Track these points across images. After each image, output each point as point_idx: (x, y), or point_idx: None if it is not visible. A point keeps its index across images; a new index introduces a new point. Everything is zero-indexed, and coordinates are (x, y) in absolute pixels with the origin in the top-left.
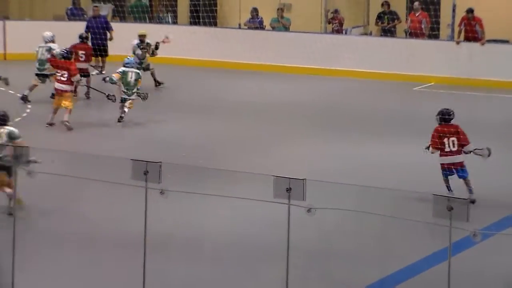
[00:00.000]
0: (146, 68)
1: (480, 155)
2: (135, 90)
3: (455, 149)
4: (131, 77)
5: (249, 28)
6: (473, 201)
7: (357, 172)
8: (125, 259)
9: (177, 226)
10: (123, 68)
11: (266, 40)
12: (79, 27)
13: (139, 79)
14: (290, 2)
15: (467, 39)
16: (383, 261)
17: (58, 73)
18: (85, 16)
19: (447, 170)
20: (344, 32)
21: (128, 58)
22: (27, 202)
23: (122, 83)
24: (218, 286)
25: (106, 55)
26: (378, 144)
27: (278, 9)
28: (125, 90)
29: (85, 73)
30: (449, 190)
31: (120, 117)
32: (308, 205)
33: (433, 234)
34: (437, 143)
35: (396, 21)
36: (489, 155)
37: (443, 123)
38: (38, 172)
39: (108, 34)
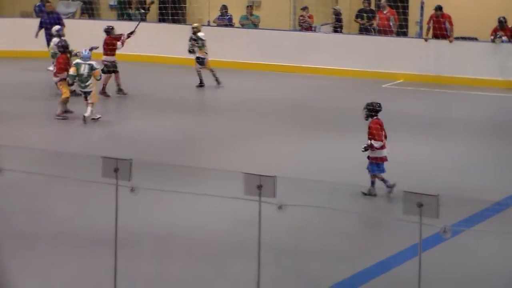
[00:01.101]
0: (201, 63)
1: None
2: (89, 82)
3: (385, 142)
4: (84, 69)
5: (218, 25)
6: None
7: (327, 169)
8: (96, 257)
9: (148, 224)
10: (78, 60)
11: (235, 38)
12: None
13: (95, 70)
14: None
15: (436, 36)
16: (354, 258)
17: None
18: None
19: (382, 164)
20: (313, 29)
21: (84, 52)
22: None
23: (77, 76)
24: (189, 284)
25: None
26: (346, 140)
27: (247, 7)
28: (79, 83)
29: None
30: (373, 185)
31: (83, 116)
32: (279, 202)
33: (403, 231)
34: (381, 135)
35: (373, 19)
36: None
37: (376, 115)
38: (6, 170)
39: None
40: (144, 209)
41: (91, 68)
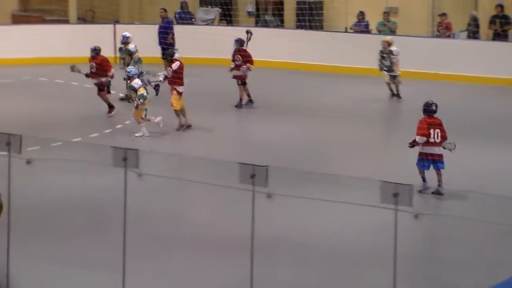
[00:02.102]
0: (394, 77)
1: (449, 149)
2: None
3: (438, 140)
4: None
5: (355, 31)
6: (441, 194)
7: (473, 179)
8: (232, 262)
9: (283, 230)
10: (140, 80)
11: (372, 44)
12: (187, 31)
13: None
14: (396, 5)
15: None
16: (492, 268)
17: None
18: (193, 20)
19: (425, 161)
20: (451, 36)
21: (132, 68)
22: (135, 204)
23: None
24: None
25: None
26: (495, 150)
27: (384, 13)
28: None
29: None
30: (424, 181)
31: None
32: (415, 211)
33: None
34: (425, 131)
35: (510, 25)
36: (454, 149)
37: (428, 114)
38: (146, 175)
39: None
40: (280, 215)
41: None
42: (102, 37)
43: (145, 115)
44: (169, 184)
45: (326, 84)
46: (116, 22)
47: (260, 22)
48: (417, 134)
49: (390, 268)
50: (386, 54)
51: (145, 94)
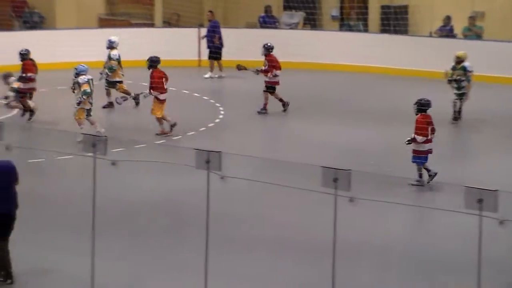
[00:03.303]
0: (462, 94)
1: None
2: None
3: (432, 136)
4: (92, 84)
5: (440, 36)
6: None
7: None
8: (314, 266)
9: (365, 234)
10: (87, 76)
11: (456, 49)
12: (271, 35)
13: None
14: (483, 10)
15: None
16: None
17: None
18: (277, 24)
19: (423, 158)
20: None
21: (82, 65)
22: (217, 206)
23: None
24: None
25: (215, 58)
26: None
27: (470, 17)
28: (91, 101)
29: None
30: (421, 177)
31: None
32: (500, 217)
33: None
34: (426, 130)
35: None
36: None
37: (423, 112)
38: (229, 177)
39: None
40: (362, 219)
41: (92, 82)
42: (186, 40)
43: (87, 116)
44: (251, 186)
45: (409, 88)
46: (200, 25)
47: (344, 26)
48: (418, 134)
49: (474, 274)
50: (458, 70)
51: (88, 90)
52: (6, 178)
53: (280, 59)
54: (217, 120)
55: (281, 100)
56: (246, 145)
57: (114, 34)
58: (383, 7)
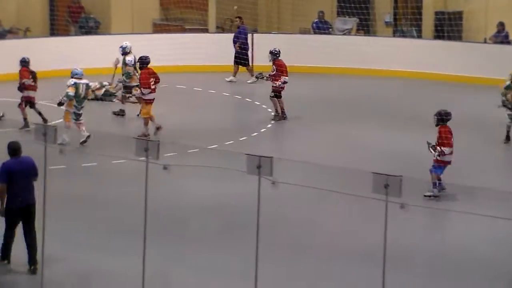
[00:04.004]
0: None
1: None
2: (84, 104)
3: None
4: (82, 89)
5: (494, 42)
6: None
7: None
8: (364, 272)
9: (417, 240)
10: (75, 80)
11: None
12: (324, 40)
13: (88, 90)
14: None
15: None
16: None
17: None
18: (330, 29)
19: (443, 168)
20: None
21: (76, 69)
22: (268, 212)
23: (75, 96)
24: None
25: (243, 64)
26: None
27: None
28: (76, 105)
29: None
30: (436, 186)
31: (83, 141)
32: None
33: None
34: (451, 141)
35: None
36: None
37: (445, 124)
38: (281, 182)
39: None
40: (414, 226)
41: (88, 87)
42: None
43: (76, 120)
44: (302, 192)
45: (462, 95)
46: (255, 31)
47: (397, 32)
48: (446, 146)
49: None
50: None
51: (70, 93)
52: (31, 172)
53: (333, 64)
54: (269, 126)
55: (282, 109)
56: (297, 151)
57: (167, 39)
58: (437, 13)
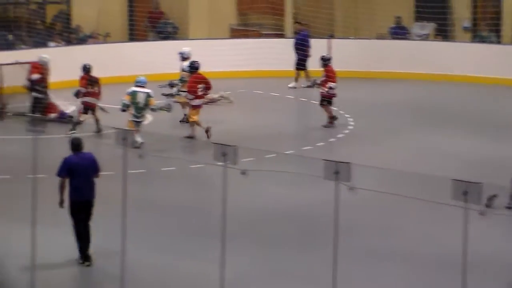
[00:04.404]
0: None
1: None
2: (145, 112)
3: None
4: (141, 97)
5: None
6: None
7: None
8: (443, 280)
9: (497, 249)
10: (133, 88)
11: None
12: (401, 46)
13: (151, 99)
14: None
15: None
16: None
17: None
18: (407, 35)
19: None
20: None
21: (139, 77)
22: (346, 218)
23: (132, 104)
24: None
25: (301, 69)
26: None
27: None
28: (134, 113)
29: None
30: None
31: (135, 147)
32: None
33: None
34: None
35: None
36: None
37: None
38: (359, 188)
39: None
40: (494, 234)
41: (148, 96)
42: (316, 51)
43: (136, 127)
44: (380, 198)
45: None
46: (331, 36)
47: (476, 37)
48: None
49: None
50: None
51: (125, 102)
52: (92, 169)
53: (410, 70)
54: (346, 131)
55: (330, 116)
56: (375, 156)
57: (244, 44)
58: None
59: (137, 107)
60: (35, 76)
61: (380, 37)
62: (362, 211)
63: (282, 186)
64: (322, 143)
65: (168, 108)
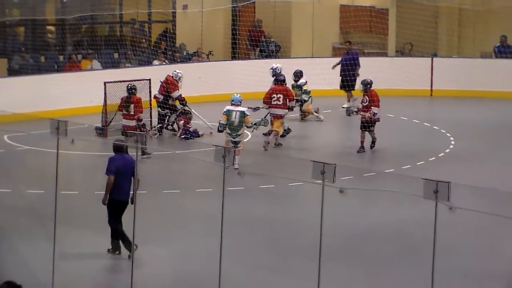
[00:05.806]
0: None
1: None
2: (240, 132)
3: None
4: (235, 116)
5: None
6: None
7: None
8: None
9: None
10: (228, 107)
11: None
12: (506, 64)
13: (246, 117)
14: None
15: None
16: None
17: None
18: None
19: None
20: None
21: (234, 95)
22: (445, 238)
23: (227, 123)
24: None
25: (350, 89)
26: None
27: None
28: (229, 132)
29: None
30: None
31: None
32: None
33: None
34: None
35: None
36: None
37: None
38: (458, 208)
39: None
40: None
41: (243, 114)
42: (419, 69)
43: (234, 143)
44: (480, 218)
45: None
46: (434, 55)
47: None
48: None
49: None
50: None
51: (222, 122)
52: (130, 171)
53: None
54: (447, 150)
55: (362, 142)
56: (477, 176)
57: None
58: None
59: (232, 127)
60: (176, 93)
61: (484, 56)
62: (462, 231)
63: (381, 205)
64: (422, 162)
65: (265, 123)
